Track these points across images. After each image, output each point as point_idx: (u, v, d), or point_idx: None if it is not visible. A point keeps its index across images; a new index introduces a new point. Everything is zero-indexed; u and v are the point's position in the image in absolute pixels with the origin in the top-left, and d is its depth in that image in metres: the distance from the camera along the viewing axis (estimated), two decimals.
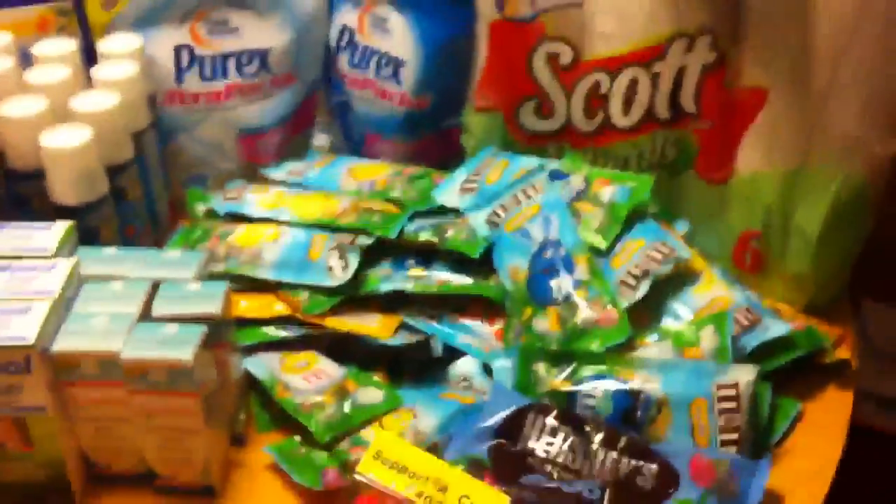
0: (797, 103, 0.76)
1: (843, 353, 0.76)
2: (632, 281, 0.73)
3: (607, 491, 0.63)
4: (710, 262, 0.78)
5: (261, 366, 0.74)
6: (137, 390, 0.66)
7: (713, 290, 0.74)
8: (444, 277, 0.77)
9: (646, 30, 0.79)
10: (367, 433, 0.69)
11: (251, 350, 0.75)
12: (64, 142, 0.76)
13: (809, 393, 0.74)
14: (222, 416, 0.71)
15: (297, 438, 0.70)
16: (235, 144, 0.92)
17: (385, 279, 0.76)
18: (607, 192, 0.78)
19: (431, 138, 0.92)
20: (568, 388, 0.69)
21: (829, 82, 0.74)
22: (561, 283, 0.73)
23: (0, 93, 0.80)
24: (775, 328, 0.73)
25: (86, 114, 0.79)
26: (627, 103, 0.82)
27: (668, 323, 0.73)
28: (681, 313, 0.73)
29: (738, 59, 0.78)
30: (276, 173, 0.89)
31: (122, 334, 0.66)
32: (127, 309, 0.68)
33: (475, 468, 0.64)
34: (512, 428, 0.67)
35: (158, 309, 0.68)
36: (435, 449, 0.67)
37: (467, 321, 0.77)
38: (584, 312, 0.72)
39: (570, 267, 0.74)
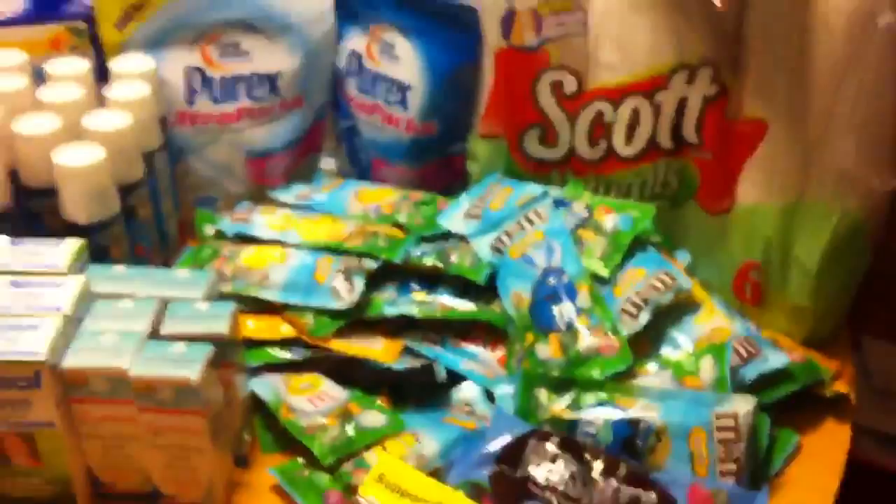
0: (796, 137, 0.77)
1: (842, 386, 0.76)
2: (633, 310, 0.74)
3: None
4: (711, 292, 0.79)
5: (266, 387, 0.74)
6: (145, 408, 0.67)
7: (713, 320, 0.75)
8: (448, 302, 0.78)
9: (648, 60, 0.81)
10: (370, 456, 0.70)
11: (257, 371, 0.76)
12: (77, 160, 0.77)
13: (808, 425, 0.75)
14: (227, 436, 0.71)
15: (301, 460, 0.71)
16: (244, 166, 0.94)
17: (390, 303, 0.77)
18: (610, 221, 0.79)
19: (437, 164, 0.93)
20: (569, 415, 0.70)
21: (827, 118, 0.75)
22: (563, 310, 0.74)
23: (14, 110, 0.80)
24: (774, 360, 0.74)
25: (98, 133, 0.80)
26: (630, 132, 0.83)
27: (668, 352, 0.74)
28: (681, 343, 0.74)
29: (739, 92, 0.80)
30: (284, 196, 0.90)
31: (131, 352, 0.67)
32: (136, 327, 0.69)
33: (476, 493, 0.65)
34: (513, 454, 0.67)
35: (167, 327, 0.69)
36: (437, 473, 0.67)
37: (470, 346, 0.78)
38: (586, 340, 0.73)
39: (572, 294, 0.75)
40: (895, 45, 0.72)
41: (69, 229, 0.77)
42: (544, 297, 0.75)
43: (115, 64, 0.87)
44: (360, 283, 0.77)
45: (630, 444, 0.68)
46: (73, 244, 0.73)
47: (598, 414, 0.69)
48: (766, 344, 0.75)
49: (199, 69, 0.91)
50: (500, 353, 0.77)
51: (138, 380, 0.66)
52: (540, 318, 0.75)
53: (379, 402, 0.74)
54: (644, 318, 0.73)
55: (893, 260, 0.80)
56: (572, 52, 0.84)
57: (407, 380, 0.75)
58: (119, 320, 0.70)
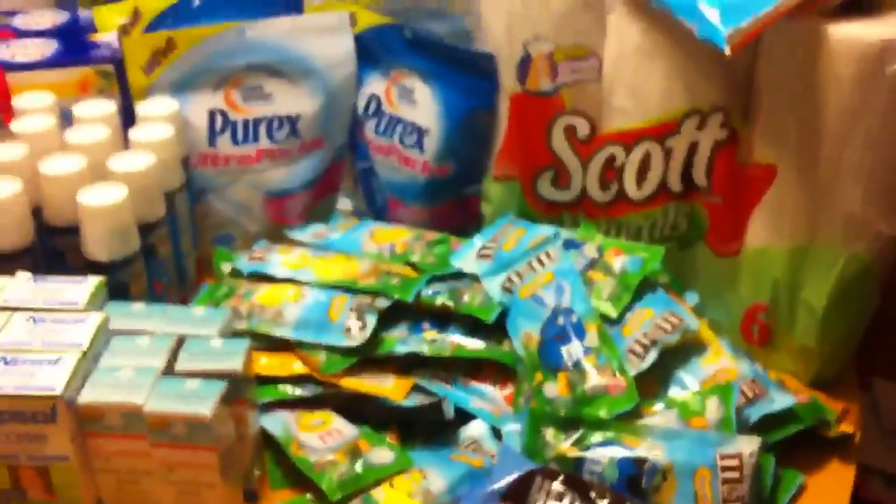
0: (805, 182, 0.78)
1: (847, 427, 0.76)
2: (640, 350, 0.75)
3: None
4: (718, 333, 0.79)
5: (277, 423, 0.76)
6: (158, 443, 0.68)
7: (720, 361, 0.76)
8: (458, 341, 0.79)
9: (660, 106, 0.82)
10: (378, 493, 0.71)
11: (268, 407, 0.77)
12: (100, 199, 0.79)
13: (812, 466, 0.75)
14: (238, 471, 0.72)
15: (309, 496, 0.72)
16: (262, 206, 0.95)
17: (401, 341, 0.79)
18: (619, 262, 0.80)
19: (451, 205, 0.95)
20: (575, 453, 0.70)
21: (835, 163, 0.76)
22: (571, 350, 0.75)
23: (41, 150, 0.83)
24: (780, 400, 0.74)
25: (122, 173, 0.82)
26: (641, 176, 0.84)
27: (674, 392, 0.74)
28: (687, 383, 0.75)
29: (749, 137, 0.81)
30: (301, 235, 0.92)
31: (147, 388, 0.68)
32: (152, 363, 0.70)
33: None
34: (519, 491, 0.68)
35: (182, 364, 0.71)
36: None
37: (479, 385, 0.78)
38: (593, 379, 0.73)
39: (580, 334, 0.76)
40: None
41: (90, 267, 0.79)
42: (553, 337, 0.76)
43: (141, 107, 0.90)
44: (371, 322, 0.78)
45: (635, 483, 0.69)
46: (92, 282, 0.75)
47: (603, 452, 0.70)
48: (772, 385, 0.76)
49: (221, 111, 0.93)
50: (508, 391, 0.78)
51: (152, 415, 0.68)
52: (548, 357, 0.76)
53: (388, 439, 0.75)
54: (651, 358, 0.74)
55: None
56: (586, 98, 0.85)
57: (416, 417, 0.76)
58: (135, 356, 0.71)
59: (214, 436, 0.68)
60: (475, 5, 0.89)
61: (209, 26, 0.92)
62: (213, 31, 0.92)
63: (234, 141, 0.94)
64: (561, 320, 0.77)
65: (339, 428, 0.75)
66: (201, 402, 0.68)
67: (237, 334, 0.76)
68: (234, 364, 0.71)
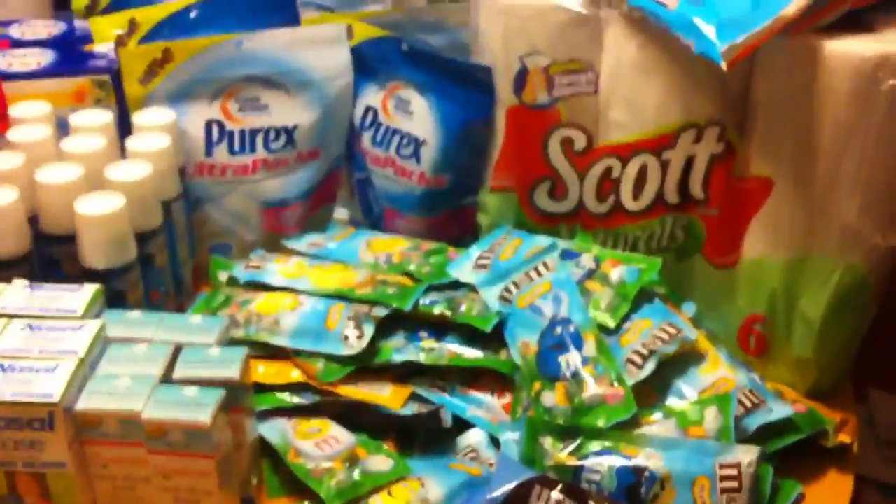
0: (801, 195, 0.78)
1: (845, 437, 0.77)
2: (638, 360, 0.75)
3: None
4: (715, 343, 0.79)
5: (274, 430, 0.75)
6: (156, 450, 0.68)
7: (718, 371, 0.76)
8: (456, 350, 0.79)
9: (656, 120, 0.82)
10: (376, 501, 0.70)
11: (266, 415, 0.77)
12: (97, 208, 0.79)
13: (811, 475, 0.75)
14: (235, 479, 0.72)
15: None
16: (259, 216, 0.96)
17: (398, 350, 0.79)
18: (616, 273, 0.80)
19: (448, 215, 0.95)
20: (573, 462, 0.70)
21: (831, 177, 0.76)
22: (570, 359, 0.75)
23: (38, 160, 0.83)
24: (778, 410, 0.74)
25: (119, 182, 0.82)
26: (638, 188, 0.84)
27: (672, 402, 0.74)
28: (685, 393, 0.75)
29: (745, 150, 0.81)
30: (298, 244, 0.92)
31: (144, 395, 0.68)
32: (149, 371, 0.70)
33: None
34: (517, 500, 0.68)
35: (179, 372, 0.71)
36: None
37: (477, 393, 0.78)
38: (592, 389, 0.73)
39: (578, 344, 0.76)
40: None
41: (87, 275, 0.79)
42: (551, 346, 0.76)
43: (138, 117, 0.90)
44: (369, 331, 0.78)
45: (634, 492, 0.69)
46: (89, 290, 0.75)
47: (602, 461, 0.70)
48: (769, 395, 0.76)
49: (218, 122, 0.93)
50: (506, 400, 0.78)
51: (150, 422, 0.67)
52: (546, 367, 0.76)
53: (385, 446, 0.75)
54: (649, 367, 0.74)
55: None
56: (583, 110, 0.86)
57: (414, 425, 0.76)
58: (133, 364, 0.71)
59: (212, 443, 0.67)
60: (472, 18, 0.90)
61: (206, 38, 0.92)
62: (210, 42, 0.92)
63: (231, 151, 0.94)
64: (559, 330, 0.77)
65: (337, 436, 0.74)
66: (199, 409, 0.67)
67: (234, 342, 0.76)
68: (232, 372, 0.70)
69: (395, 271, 0.85)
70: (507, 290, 0.82)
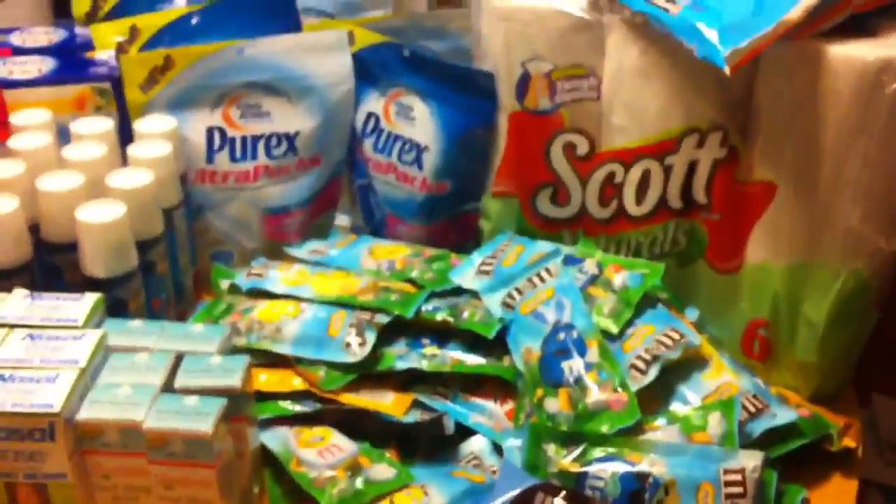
0: (804, 199, 0.78)
1: (849, 441, 0.76)
2: (642, 365, 0.75)
3: None
4: (719, 348, 0.79)
5: (276, 439, 0.75)
6: (157, 460, 0.68)
7: (721, 376, 0.76)
8: (458, 356, 0.79)
9: (658, 125, 0.82)
10: None
11: (268, 423, 0.76)
12: (98, 216, 0.79)
13: (815, 480, 0.75)
14: (237, 489, 0.72)
15: None
16: (260, 223, 0.95)
17: (401, 357, 0.78)
18: (619, 278, 0.80)
19: (449, 222, 0.95)
20: (577, 469, 0.70)
21: (834, 181, 0.76)
22: (573, 365, 0.75)
23: (38, 167, 0.83)
24: (782, 415, 0.74)
25: (120, 190, 0.82)
26: (640, 193, 0.84)
27: (676, 407, 0.74)
28: (689, 398, 0.75)
29: (748, 155, 0.81)
30: (299, 251, 0.92)
31: (145, 405, 0.68)
32: (150, 380, 0.70)
33: None
34: None
35: (181, 381, 0.70)
36: None
37: (479, 400, 0.78)
38: (595, 395, 0.73)
39: (582, 350, 0.76)
40: None
41: (88, 283, 0.79)
42: (554, 352, 0.76)
43: (139, 124, 0.90)
44: (371, 338, 0.78)
45: (638, 499, 0.69)
46: (90, 299, 0.74)
47: (606, 468, 0.70)
48: (773, 399, 0.76)
49: (220, 129, 0.93)
50: (509, 406, 0.78)
51: (152, 432, 0.67)
52: (549, 373, 0.75)
53: (388, 454, 0.75)
54: (652, 373, 0.74)
55: None
56: (585, 116, 0.85)
57: (416, 432, 0.76)
58: (134, 373, 0.70)
59: (213, 453, 0.67)
60: (474, 24, 0.90)
61: (207, 44, 0.92)
62: (212, 49, 0.92)
63: (232, 158, 0.94)
64: (562, 336, 0.77)
65: (339, 444, 0.74)
66: (201, 418, 0.67)
67: (236, 350, 0.76)
68: (234, 380, 0.70)
69: (398, 278, 0.85)
70: (510, 296, 0.81)
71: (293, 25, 0.97)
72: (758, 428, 0.73)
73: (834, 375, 0.83)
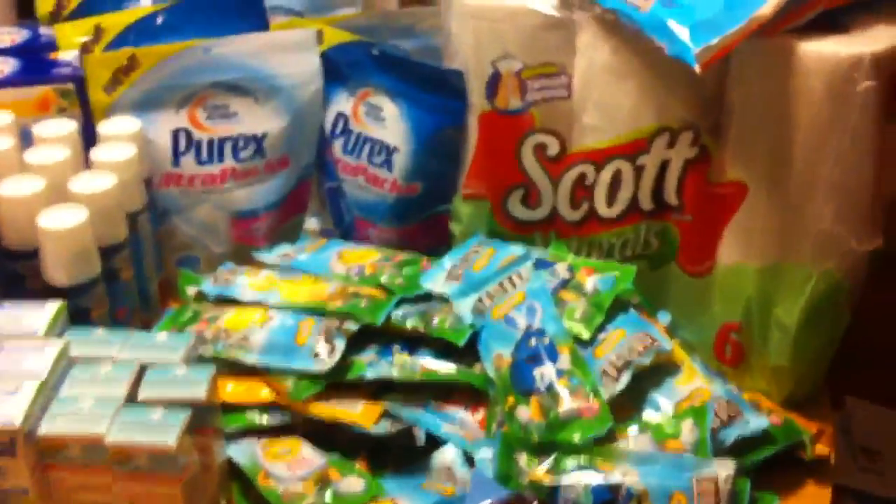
0: (776, 199, 0.77)
1: (822, 448, 0.76)
2: (613, 372, 0.74)
3: None
4: (691, 353, 0.79)
5: (244, 452, 0.74)
6: (121, 474, 0.67)
7: (693, 382, 0.75)
8: (429, 364, 0.78)
9: (630, 124, 0.81)
10: None
11: (235, 435, 0.75)
12: (59, 222, 0.78)
13: (788, 488, 0.75)
14: (203, 503, 0.71)
15: None
16: (228, 227, 0.94)
17: (371, 365, 0.77)
18: (591, 282, 0.79)
19: (420, 224, 0.94)
20: (549, 480, 0.69)
21: (806, 181, 0.76)
22: (544, 372, 0.74)
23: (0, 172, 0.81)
24: (755, 422, 0.74)
25: (82, 194, 0.80)
26: (612, 195, 0.83)
27: (648, 415, 0.74)
28: (661, 405, 0.74)
29: (720, 155, 0.80)
30: (268, 256, 0.90)
31: (108, 418, 0.67)
32: (113, 392, 0.69)
33: None
34: None
35: (145, 392, 0.69)
36: None
37: (452, 409, 0.77)
38: (567, 403, 0.72)
39: (553, 356, 0.75)
40: (873, 109, 0.73)
41: (50, 291, 0.78)
42: (525, 359, 0.75)
43: (103, 126, 0.88)
44: (340, 345, 0.77)
45: None
46: (52, 307, 0.73)
47: (578, 478, 0.69)
48: (746, 406, 0.75)
49: (185, 131, 0.92)
50: (481, 415, 0.77)
51: (115, 446, 0.66)
52: (521, 380, 0.75)
53: (357, 466, 0.74)
54: (624, 380, 0.73)
55: (873, 319, 0.81)
56: (556, 116, 0.85)
57: (386, 444, 0.75)
58: (97, 385, 0.69)
59: (178, 466, 0.66)
60: (444, 22, 0.88)
61: (172, 44, 0.91)
62: (177, 48, 0.91)
63: (199, 161, 0.92)
64: (533, 342, 0.76)
65: (308, 456, 0.73)
66: (165, 431, 0.66)
67: (202, 360, 0.75)
68: (199, 391, 0.69)
69: (367, 283, 0.84)
70: (481, 301, 0.80)
71: (260, 24, 0.95)
72: (730, 435, 0.72)
73: (807, 379, 0.82)
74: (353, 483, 0.72)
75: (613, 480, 0.68)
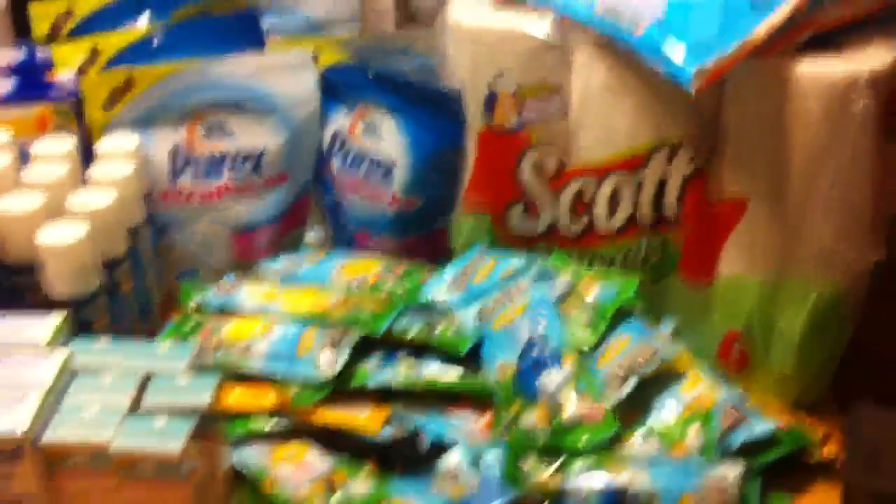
0: (776, 214, 0.78)
1: (829, 452, 0.76)
2: (618, 379, 0.74)
3: None
4: (696, 360, 0.79)
5: (250, 458, 0.74)
6: (126, 481, 0.66)
7: (698, 387, 0.75)
8: (433, 371, 0.78)
9: (628, 140, 0.82)
10: None
11: (240, 442, 0.75)
12: (60, 237, 0.77)
13: (799, 489, 0.75)
14: None
15: None
16: (228, 241, 0.94)
17: (374, 373, 0.77)
18: (593, 292, 0.80)
19: (420, 239, 0.94)
20: (556, 483, 0.69)
21: (805, 197, 0.76)
22: (549, 379, 0.74)
23: None
24: (761, 426, 0.74)
25: (82, 210, 0.80)
26: (611, 209, 0.84)
27: (654, 420, 0.74)
28: (667, 411, 0.74)
29: (718, 172, 0.81)
30: (269, 268, 0.90)
31: (113, 426, 0.66)
32: (118, 400, 0.68)
33: None
34: None
35: (149, 400, 0.69)
36: None
37: (458, 413, 0.77)
38: (572, 409, 0.73)
39: (557, 363, 0.75)
40: (870, 128, 0.74)
41: (51, 305, 0.77)
42: (529, 367, 0.75)
43: (101, 143, 0.88)
44: (343, 355, 0.77)
45: None
46: (54, 319, 0.73)
47: (585, 481, 0.69)
48: (751, 410, 0.75)
49: (183, 148, 0.92)
50: (486, 419, 0.77)
51: (120, 454, 0.65)
52: (525, 387, 0.75)
53: (364, 470, 0.73)
54: (629, 386, 0.73)
55: (878, 327, 0.81)
56: (553, 134, 0.85)
57: (391, 450, 0.74)
58: (101, 394, 0.69)
59: (184, 473, 0.65)
60: (440, 44, 0.89)
61: (169, 64, 0.91)
62: (173, 69, 0.91)
63: (197, 177, 0.92)
64: (537, 350, 0.76)
65: (314, 461, 0.73)
66: (170, 439, 0.65)
67: (206, 369, 0.74)
68: (204, 399, 0.69)
69: (369, 293, 0.84)
70: (483, 311, 0.81)
71: (257, 45, 0.96)
72: (737, 439, 0.72)
73: (813, 387, 0.82)
74: (360, 486, 0.71)
75: (621, 483, 0.68)
